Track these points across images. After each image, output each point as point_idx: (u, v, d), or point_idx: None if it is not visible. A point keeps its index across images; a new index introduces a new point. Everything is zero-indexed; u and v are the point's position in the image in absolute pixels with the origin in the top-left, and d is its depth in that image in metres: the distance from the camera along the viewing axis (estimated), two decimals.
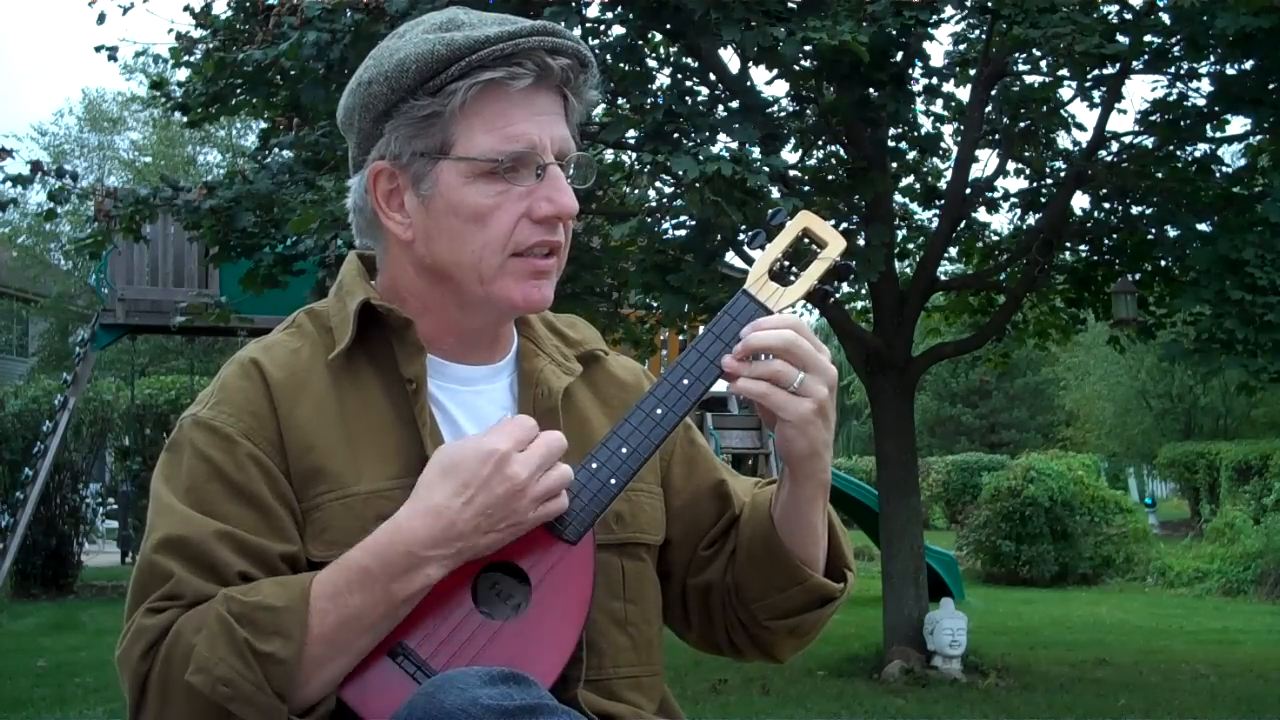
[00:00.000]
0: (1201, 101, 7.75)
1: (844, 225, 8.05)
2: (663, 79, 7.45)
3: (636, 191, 8.98)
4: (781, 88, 13.30)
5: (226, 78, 7.08)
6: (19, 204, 16.56)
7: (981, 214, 9.03)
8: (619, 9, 7.01)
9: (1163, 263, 8.07)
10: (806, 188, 8.12)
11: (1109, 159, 8.26)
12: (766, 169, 5.92)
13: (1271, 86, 7.15)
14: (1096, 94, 8.01)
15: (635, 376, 1.57)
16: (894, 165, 8.22)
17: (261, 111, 8.08)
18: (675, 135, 6.27)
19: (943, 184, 8.83)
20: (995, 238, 9.39)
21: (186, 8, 7.42)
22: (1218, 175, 8.03)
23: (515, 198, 1.35)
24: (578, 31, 6.67)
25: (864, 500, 11.30)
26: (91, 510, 13.88)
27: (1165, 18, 7.23)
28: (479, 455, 1.25)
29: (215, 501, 1.30)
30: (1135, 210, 8.27)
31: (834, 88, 7.35)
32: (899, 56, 7.05)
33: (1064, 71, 7.75)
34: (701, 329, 1.40)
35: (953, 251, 9.30)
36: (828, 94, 7.59)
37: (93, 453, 13.91)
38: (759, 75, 15.91)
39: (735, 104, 6.92)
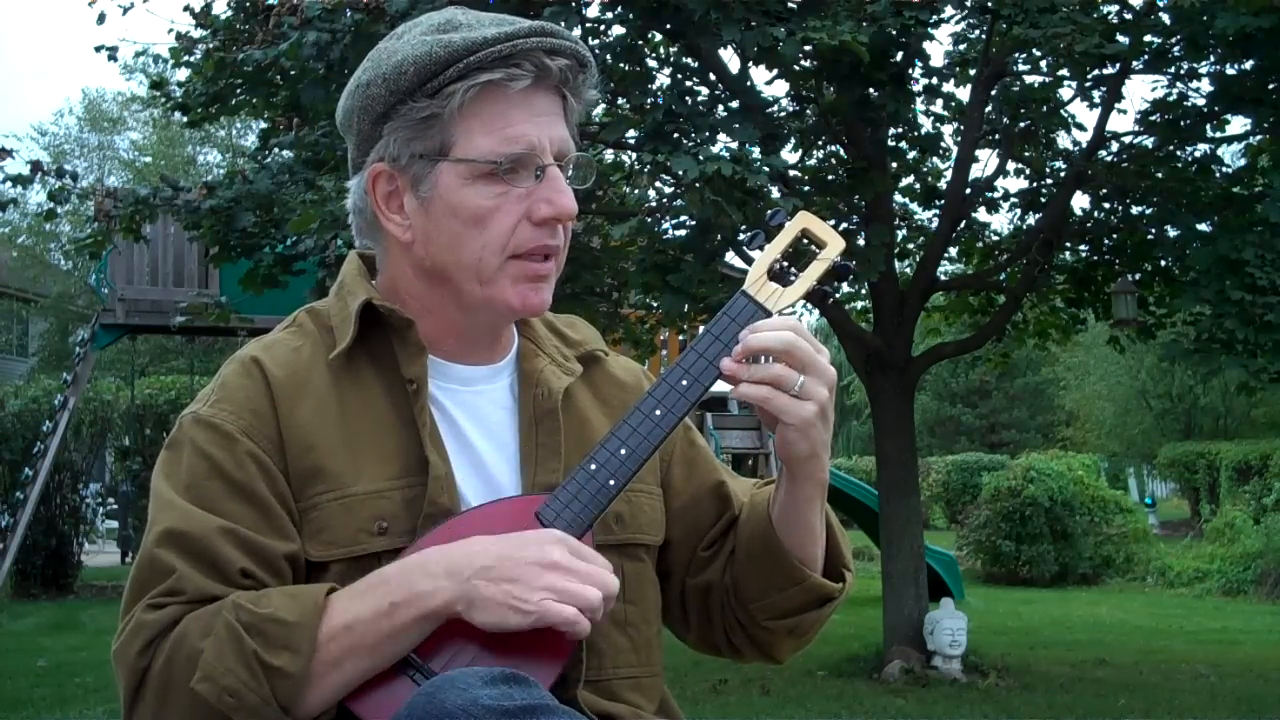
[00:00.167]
0: (1201, 101, 7.75)
1: (844, 225, 8.05)
2: (663, 79, 7.44)
3: (636, 191, 8.97)
4: (781, 88, 13.29)
5: (226, 78, 7.07)
6: (19, 204, 16.59)
7: (981, 214, 9.02)
8: (619, 9, 7.00)
9: (1163, 263, 8.06)
10: (806, 188, 8.11)
11: (1109, 159, 8.26)
12: (766, 169, 5.91)
13: (1271, 86, 7.15)
14: (1096, 94, 8.01)
15: (635, 377, 1.57)
16: (894, 165, 8.21)
17: (261, 111, 8.07)
18: (675, 135, 6.26)
19: (943, 184, 8.82)
20: (995, 238, 9.39)
21: (186, 8, 7.40)
22: (1218, 175, 8.02)
23: (514, 199, 1.34)
24: (577, 32, 6.66)
25: (864, 500, 11.28)
26: (91, 510, 13.88)
27: (1165, 18, 7.23)
28: (541, 532, 1.27)
29: (215, 499, 1.29)
30: (1135, 210, 8.26)
31: (834, 88, 7.34)
32: (899, 56, 7.04)
33: (1064, 71, 7.74)
34: (701, 329, 1.40)
35: (953, 251, 9.29)
36: (828, 94, 7.58)
37: (93, 453, 13.91)
38: (759, 75, 15.92)
39: (735, 104, 6.91)
